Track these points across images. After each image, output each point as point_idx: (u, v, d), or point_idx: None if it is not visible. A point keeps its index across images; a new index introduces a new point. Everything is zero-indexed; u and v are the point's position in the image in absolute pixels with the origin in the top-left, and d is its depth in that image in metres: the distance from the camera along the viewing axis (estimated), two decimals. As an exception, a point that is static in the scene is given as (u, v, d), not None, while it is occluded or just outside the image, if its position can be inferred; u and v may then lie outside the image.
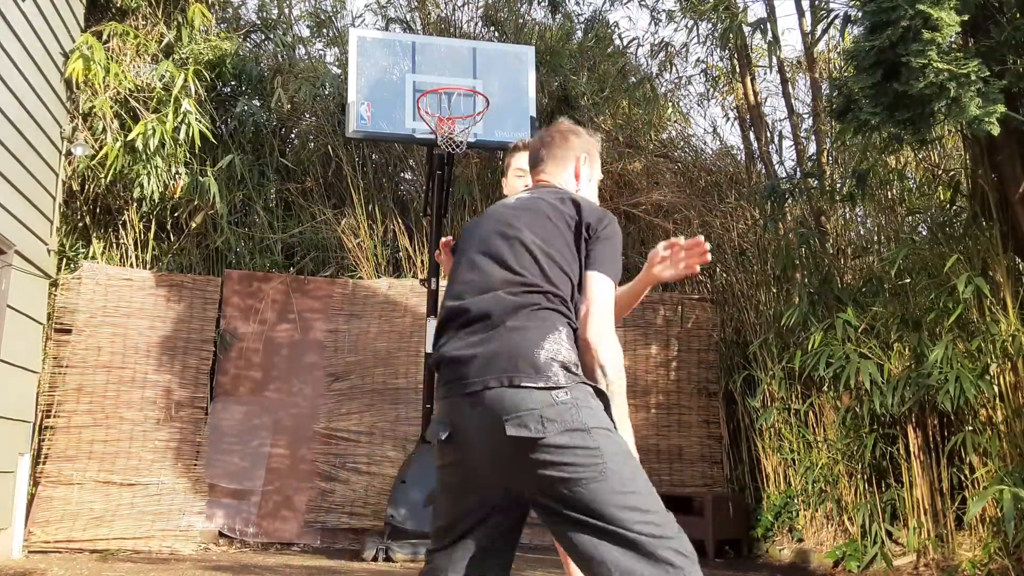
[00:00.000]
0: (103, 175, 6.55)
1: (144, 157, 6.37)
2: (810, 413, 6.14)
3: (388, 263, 7.62)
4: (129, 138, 6.39)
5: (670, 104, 9.60)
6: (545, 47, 8.20)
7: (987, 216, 5.04)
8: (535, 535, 6.66)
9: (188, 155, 6.75)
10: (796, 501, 6.07)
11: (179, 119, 6.49)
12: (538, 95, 6.98)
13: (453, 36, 8.62)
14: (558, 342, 1.83)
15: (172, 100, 6.49)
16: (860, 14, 4.61)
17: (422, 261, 7.52)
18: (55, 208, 6.30)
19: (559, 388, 1.75)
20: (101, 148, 6.52)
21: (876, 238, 6.78)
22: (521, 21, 9.18)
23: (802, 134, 8.01)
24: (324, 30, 9.00)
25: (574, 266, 1.97)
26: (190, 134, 6.53)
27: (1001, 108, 4.14)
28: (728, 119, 11.31)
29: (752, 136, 8.36)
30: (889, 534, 5.37)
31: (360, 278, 7.32)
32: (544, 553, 6.16)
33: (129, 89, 6.61)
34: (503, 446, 1.75)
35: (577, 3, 12.12)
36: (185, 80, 6.56)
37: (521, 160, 2.81)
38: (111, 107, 6.47)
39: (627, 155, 8.72)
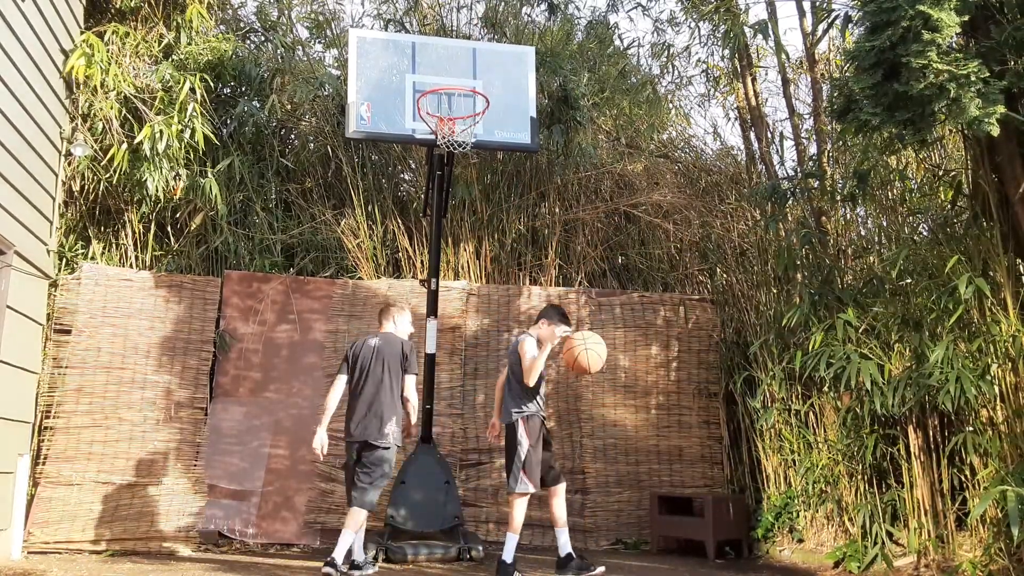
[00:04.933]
0: (107, 177, 6.55)
1: (150, 159, 6.37)
2: (810, 414, 6.14)
3: (388, 263, 7.61)
4: (136, 141, 6.39)
5: (671, 105, 9.60)
6: (545, 48, 8.19)
7: (988, 216, 5.03)
8: (535, 536, 6.65)
9: (189, 157, 6.75)
10: (796, 502, 6.06)
11: (184, 121, 6.50)
12: (538, 96, 6.97)
13: (452, 38, 8.60)
14: None
15: (178, 105, 6.50)
16: (861, 14, 4.61)
17: (422, 261, 7.51)
18: (55, 208, 6.30)
19: None
20: (102, 149, 6.51)
21: (877, 238, 6.77)
22: (521, 23, 9.17)
23: (803, 134, 7.99)
24: (324, 32, 8.99)
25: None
26: (194, 138, 6.55)
27: (1001, 108, 4.13)
28: (729, 119, 11.32)
29: (753, 136, 8.35)
30: (890, 535, 5.36)
31: (360, 278, 7.31)
32: (543, 554, 6.15)
33: (130, 90, 6.61)
34: None
35: (577, 7, 12.12)
36: (192, 87, 6.56)
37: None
38: (113, 108, 6.46)
39: (628, 156, 8.72)
